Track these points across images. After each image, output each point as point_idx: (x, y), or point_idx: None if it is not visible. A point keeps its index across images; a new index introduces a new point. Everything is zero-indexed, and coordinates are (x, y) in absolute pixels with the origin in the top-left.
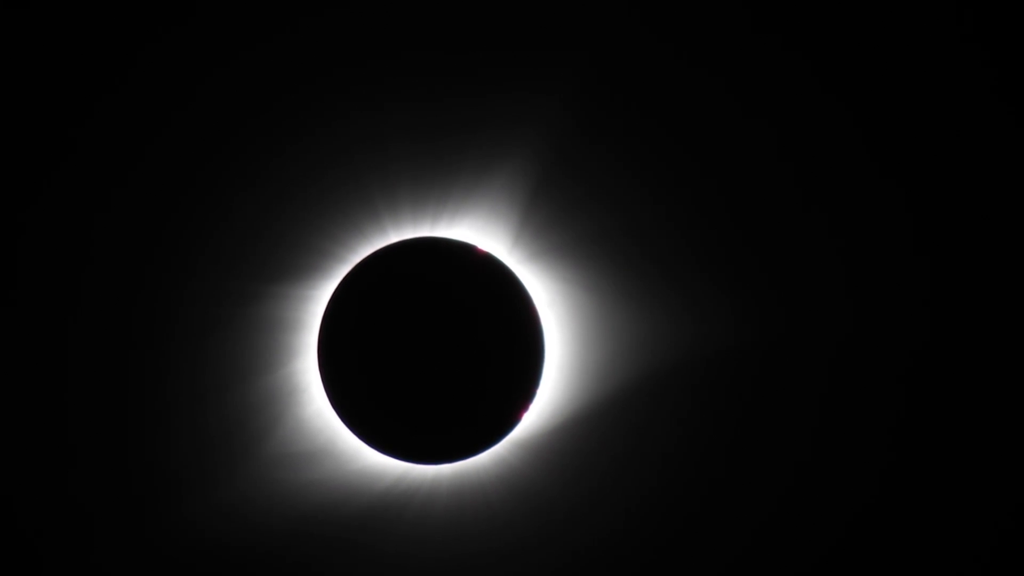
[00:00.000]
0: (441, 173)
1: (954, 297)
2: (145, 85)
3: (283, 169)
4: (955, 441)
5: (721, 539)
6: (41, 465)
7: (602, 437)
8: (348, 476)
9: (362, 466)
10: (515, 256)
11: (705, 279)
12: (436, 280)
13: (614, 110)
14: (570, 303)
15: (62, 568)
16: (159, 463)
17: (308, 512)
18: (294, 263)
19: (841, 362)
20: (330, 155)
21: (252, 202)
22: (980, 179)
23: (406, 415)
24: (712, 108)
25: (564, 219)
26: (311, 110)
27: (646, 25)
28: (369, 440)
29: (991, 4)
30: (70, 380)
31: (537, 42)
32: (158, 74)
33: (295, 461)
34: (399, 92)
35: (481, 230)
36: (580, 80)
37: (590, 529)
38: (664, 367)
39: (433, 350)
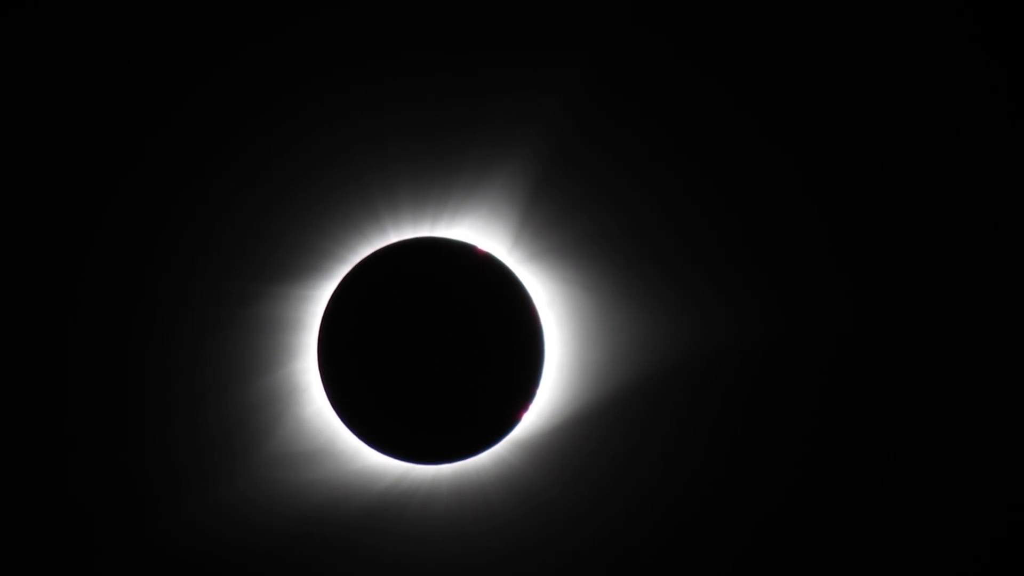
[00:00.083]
0: (441, 173)
1: (954, 296)
2: (145, 85)
3: (283, 169)
4: (955, 440)
5: (721, 539)
6: (41, 464)
7: (602, 437)
8: (348, 476)
9: (362, 466)
10: (515, 256)
11: (705, 279)
12: (436, 280)
13: (614, 110)
14: (570, 303)
15: (62, 568)
16: (159, 463)
17: (308, 512)
18: (294, 263)
19: (841, 362)
20: (330, 155)
21: (252, 202)
22: (981, 178)
23: (406, 415)
24: (712, 108)
25: (564, 219)
26: (311, 110)
27: (646, 25)
28: (369, 440)
29: (991, 2)
30: (70, 380)
31: (537, 42)
32: (158, 74)
33: (295, 461)
34: (399, 92)
35: (481, 230)
36: (580, 80)
37: (590, 529)
38: (664, 367)
39: (433, 350)
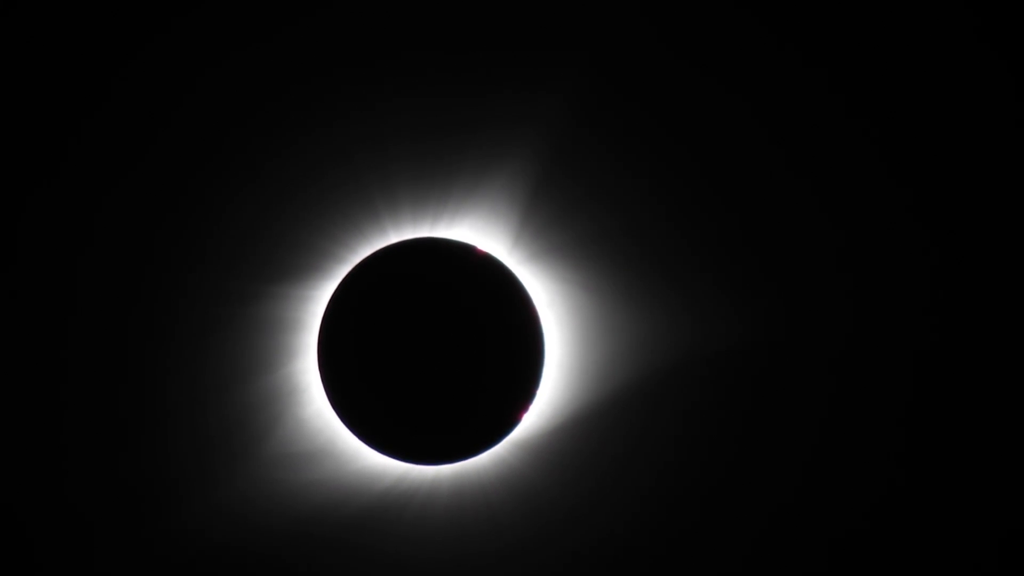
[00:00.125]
0: (441, 173)
1: (957, 297)
2: (145, 84)
3: (283, 169)
4: (959, 442)
5: (722, 540)
6: (40, 465)
7: (602, 437)
8: (348, 476)
9: (362, 466)
10: (515, 256)
11: (705, 279)
12: (436, 280)
13: (615, 110)
14: (570, 303)
15: (61, 569)
16: (159, 463)
17: (308, 512)
18: (294, 263)
19: (842, 362)
20: (330, 155)
21: (252, 202)
22: (984, 179)
23: (406, 415)
24: (712, 108)
25: (564, 219)
26: (311, 110)
27: (647, 25)
28: (369, 440)
29: (994, 2)
30: (70, 380)
31: (537, 42)
32: (158, 74)
33: (295, 461)
34: (399, 92)
35: (481, 230)
36: (581, 79)
37: (590, 530)
38: (664, 367)
39: (433, 350)
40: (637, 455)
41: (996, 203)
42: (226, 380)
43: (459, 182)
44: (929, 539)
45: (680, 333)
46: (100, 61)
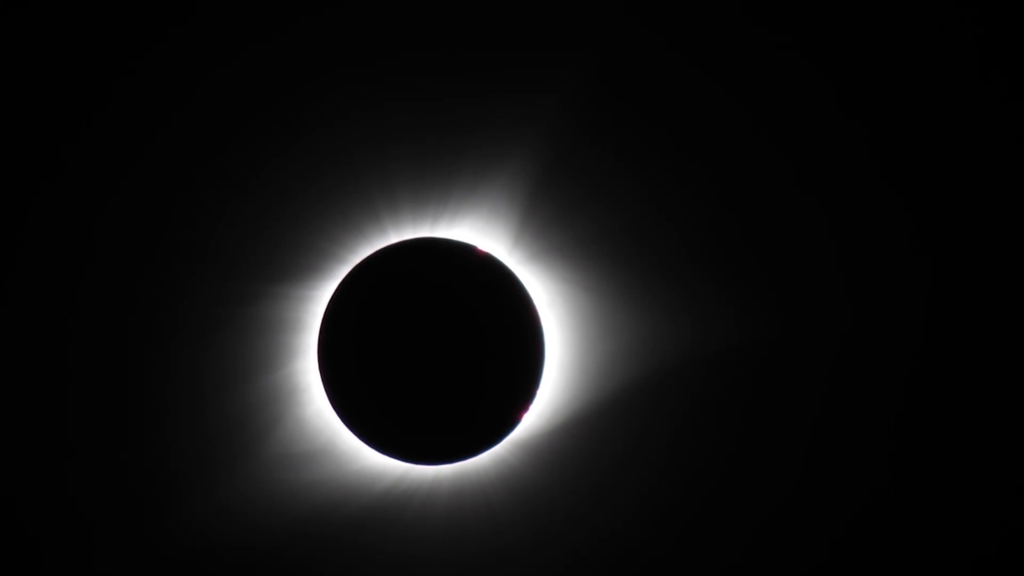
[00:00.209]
0: (441, 173)
1: (954, 296)
2: (145, 85)
3: (283, 169)
4: (955, 440)
5: (722, 539)
6: (41, 465)
7: (602, 438)
8: (348, 476)
9: (362, 466)
10: (515, 256)
11: (705, 279)
12: (436, 280)
13: (614, 110)
14: (570, 303)
15: (62, 568)
16: (159, 463)
17: (308, 512)
18: (294, 263)
19: (841, 362)
20: (330, 155)
21: (252, 202)
22: (980, 178)
23: (406, 415)
24: (712, 108)
25: (564, 219)
26: (311, 110)
27: (646, 25)
28: (369, 440)
29: (990, 2)
30: (70, 380)
31: (537, 42)
32: (158, 74)
33: (295, 461)
34: (399, 92)
35: (481, 230)
36: (580, 80)
37: (590, 530)
38: (664, 367)
39: (433, 350)
40: (637, 455)
41: (993, 204)
42: (226, 380)
43: (459, 182)
44: (927, 536)
45: (680, 333)
46: (101, 62)
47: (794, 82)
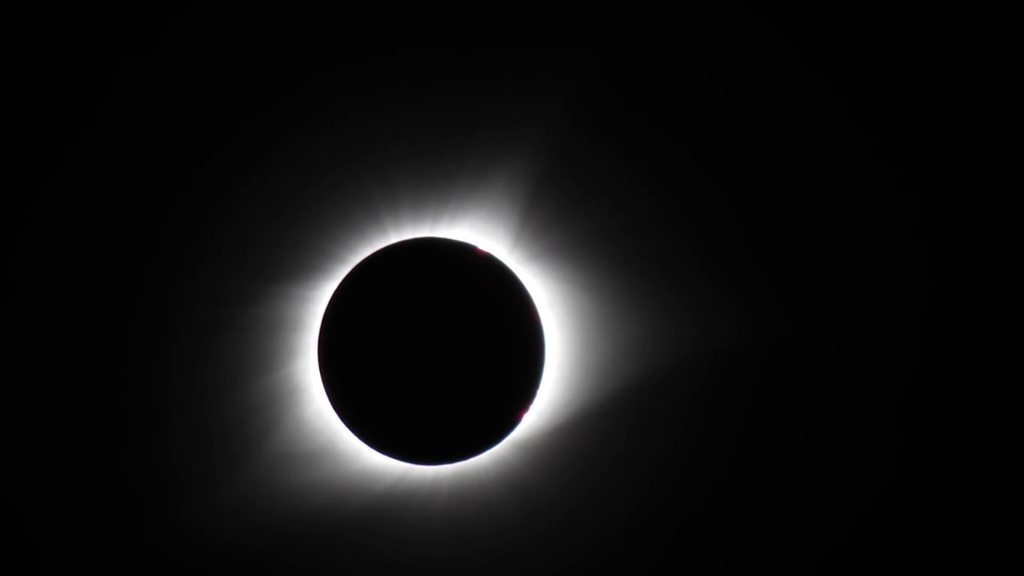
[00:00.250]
0: (441, 173)
1: (955, 295)
2: (145, 85)
3: (283, 169)
4: (957, 439)
5: (722, 539)
6: (41, 465)
7: (603, 438)
8: (348, 477)
9: (362, 467)
10: (515, 256)
11: (705, 279)
12: (436, 280)
13: (615, 110)
14: (570, 303)
15: (62, 568)
16: (159, 463)
17: (308, 513)
18: (294, 263)
19: (842, 361)
20: (330, 155)
21: (252, 202)
22: (982, 176)
23: (406, 415)
24: (712, 108)
25: (564, 219)
26: (311, 110)
27: (646, 25)
28: (369, 440)
29: (992, 2)
30: (70, 380)
31: (537, 42)
32: (158, 73)
33: (295, 461)
34: (399, 92)
35: (481, 230)
36: (580, 80)
37: (591, 530)
38: (664, 367)
39: (433, 350)
40: (637, 455)
41: (993, 201)
42: (226, 380)
43: (459, 182)
44: (929, 534)
45: (680, 333)
46: (100, 61)
47: (794, 81)
